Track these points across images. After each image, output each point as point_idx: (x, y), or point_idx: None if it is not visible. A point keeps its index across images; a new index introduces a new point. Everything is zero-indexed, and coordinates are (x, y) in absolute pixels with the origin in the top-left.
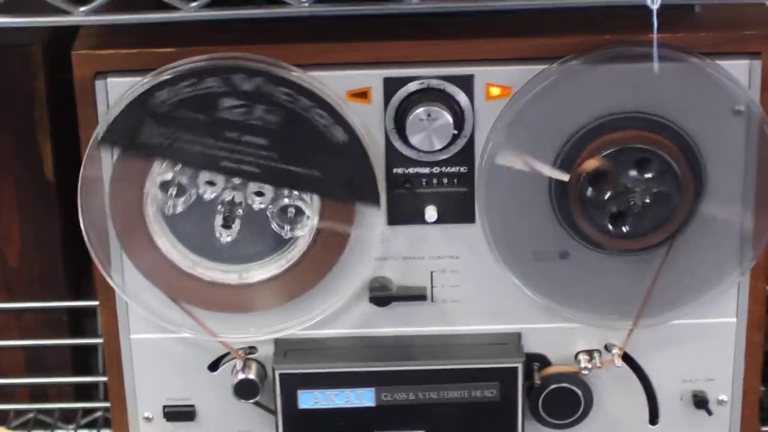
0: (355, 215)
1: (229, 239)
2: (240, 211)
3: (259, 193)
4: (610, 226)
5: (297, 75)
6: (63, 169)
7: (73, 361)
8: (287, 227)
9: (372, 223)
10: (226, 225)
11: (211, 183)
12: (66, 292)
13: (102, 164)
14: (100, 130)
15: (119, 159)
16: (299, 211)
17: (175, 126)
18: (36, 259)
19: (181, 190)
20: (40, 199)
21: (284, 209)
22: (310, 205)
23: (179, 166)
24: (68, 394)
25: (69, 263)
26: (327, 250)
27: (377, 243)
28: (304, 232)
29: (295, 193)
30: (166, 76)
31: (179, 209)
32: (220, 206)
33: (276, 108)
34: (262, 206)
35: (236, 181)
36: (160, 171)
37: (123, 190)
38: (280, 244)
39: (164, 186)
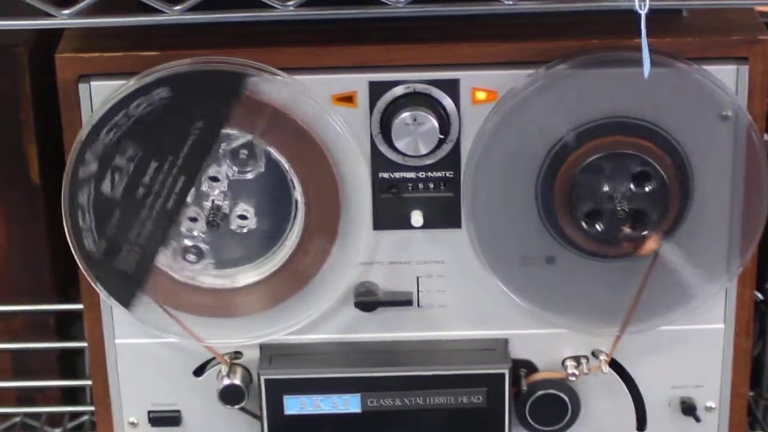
0: (264, 112)
1: (252, 226)
2: (224, 204)
3: (214, 179)
4: (596, 231)
5: (281, 78)
6: (49, 172)
7: (59, 365)
8: (255, 164)
9: (357, 227)
10: (212, 224)
11: (193, 219)
12: (53, 295)
13: (87, 168)
14: (83, 133)
15: None
16: (248, 148)
17: (120, 237)
18: (22, 262)
19: (200, 253)
20: (26, 202)
21: (235, 155)
22: (243, 135)
23: (164, 246)
24: (55, 397)
25: (56, 266)
26: (313, 254)
27: (363, 248)
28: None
29: (224, 144)
30: (142, 83)
31: (203, 266)
32: (206, 202)
33: (119, 146)
34: (243, 230)
35: (192, 198)
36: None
37: None
38: (266, 248)
39: (185, 255)
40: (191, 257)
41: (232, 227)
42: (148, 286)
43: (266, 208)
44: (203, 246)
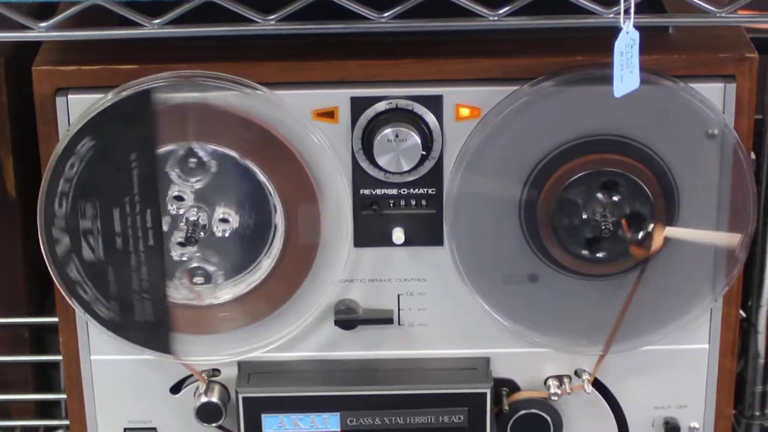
0: (243, 128)
1: (235, 225)
2: (202, 234)
3: (224, 220)
4: (581, 251)
5: (262, 93)
6: (25, 186)
7: (34, 378)
8: (204, 170)
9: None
10: (186, 244)
11: (179, 198)
12: (28, 308)
13: (62, 245)
14: (59, 146)
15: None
16: (193, 155)
17: (126, 292)
18: None
19: (205, 273)
20: (2, 215)
21: (184, 166)
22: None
23: (169, 281)
24: (30, 411)
25: (31, 279)
26: (292, 271)
27: (343, 265)
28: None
29: (170, 161)
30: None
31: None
32: (182, 223)
33: (76, 210)
34: (225, 233)
35: (168, 226)
36: None
37: None
38: (245, 264)
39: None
40: (198, 279)
41: (218, 235)
42: (175, 324)
43: (244, 207)
44: (207, 266)
